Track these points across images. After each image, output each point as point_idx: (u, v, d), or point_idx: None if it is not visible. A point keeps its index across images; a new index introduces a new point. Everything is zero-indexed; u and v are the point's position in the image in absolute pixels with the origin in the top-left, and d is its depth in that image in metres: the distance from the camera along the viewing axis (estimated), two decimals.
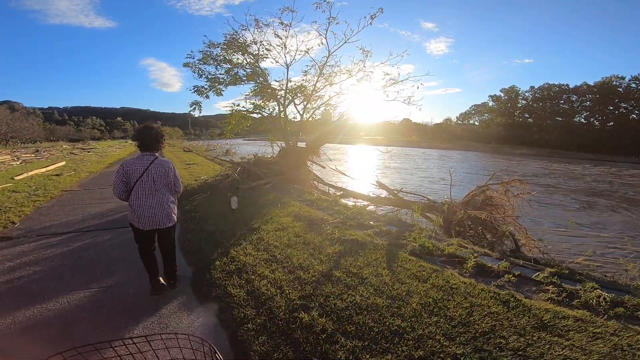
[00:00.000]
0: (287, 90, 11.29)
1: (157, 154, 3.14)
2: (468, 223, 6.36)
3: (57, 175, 10.80)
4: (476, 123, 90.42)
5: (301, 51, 10.76)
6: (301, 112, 11.22)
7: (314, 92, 10.88)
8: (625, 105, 65.07)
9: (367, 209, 7.01)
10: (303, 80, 11.65)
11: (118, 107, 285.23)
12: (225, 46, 10.94)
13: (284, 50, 10.87)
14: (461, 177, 19.67)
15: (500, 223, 6.26)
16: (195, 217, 5.97)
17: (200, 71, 10.99)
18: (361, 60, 10.23)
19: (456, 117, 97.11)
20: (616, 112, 65.81)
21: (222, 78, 11.15)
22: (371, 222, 5.41)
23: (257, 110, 11.60)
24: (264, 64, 11.06)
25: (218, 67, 11.33)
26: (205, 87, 11.44)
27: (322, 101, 11.33)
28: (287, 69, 11.11)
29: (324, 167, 11.99)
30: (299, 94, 11.42)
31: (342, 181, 14.04)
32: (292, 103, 11.60)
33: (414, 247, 4.27)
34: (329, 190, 10.34)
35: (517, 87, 77.88)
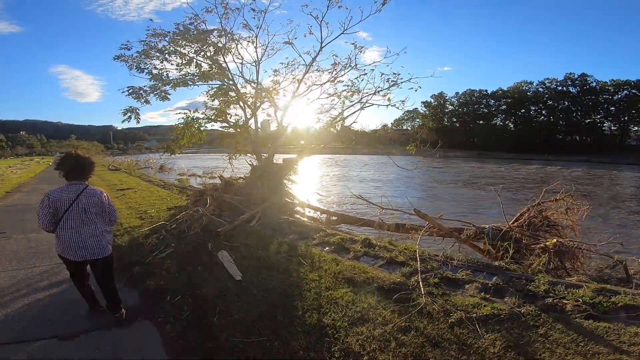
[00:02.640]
0: (259, 92, 9.01)
1: (86, 183, 2.99)
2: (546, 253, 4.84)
3: None
4: (409, 128, 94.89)
5: (276, 44, 8.63)
6: (279, 119, 9.00)
7: (295, 94, 8.77)
8: (534, 108, 73.55)
9: (412, 244, 5.16)
10: (274, 80, 9.47)
11: (22, 119, 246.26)
12: (177, 36, 8.27)
13: (255, 43, 8.63)
14: (424, 184, 19.06)
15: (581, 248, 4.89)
16: (180, 319, 3.09)
17: (138, 66, 8.14)
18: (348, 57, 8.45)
19: (391, 124, 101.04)
20: (527, 114, 73.98)
21: (172, 77, 8.44)
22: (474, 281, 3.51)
23: (221, 118, 9.09)
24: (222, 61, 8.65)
25: (164, 62, 8.59)
26: (146, 88, 8.61)
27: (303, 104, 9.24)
28: (258, 65, 8.86)
29: (296, 183, 9.89)
30: (272, 97, 9.19)
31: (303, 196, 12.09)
32: (260, 108, 9.34)
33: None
34: (320, 216, 8.27)
35: (445, 93, 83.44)
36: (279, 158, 9.53)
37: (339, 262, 4.14)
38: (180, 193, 10.32)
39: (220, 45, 8.43)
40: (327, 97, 9.05)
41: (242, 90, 9.09)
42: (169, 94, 8.84)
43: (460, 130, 79.43)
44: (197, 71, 8.53)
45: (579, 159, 47.15)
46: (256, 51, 8.89)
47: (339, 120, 9.31)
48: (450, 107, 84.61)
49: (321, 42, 8.26)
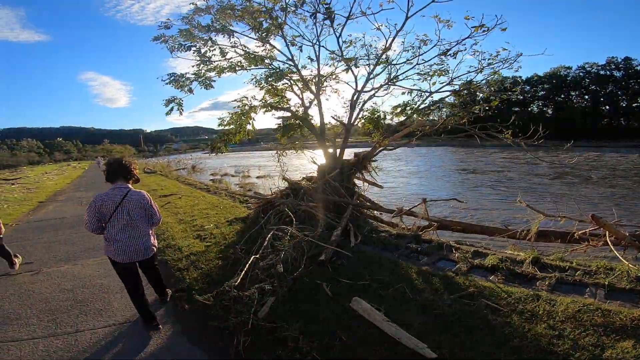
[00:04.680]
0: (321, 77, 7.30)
1: (130, 185, 2.99)
2: None
3: None
4: (435, 118, 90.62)
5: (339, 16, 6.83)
6: (357, 106, 7.23)
7: (370, 76, 6.97)
8: (575, 93, 68.53)
9: (587, 258, 3.38)
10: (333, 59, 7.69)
11: (58, 126, 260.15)
12: (222, 12, 6.65)
13: (315, 17, 6.86)
14: (522, 179, 16.72)
15: None
16: None
17: (182, 44, 6.62)
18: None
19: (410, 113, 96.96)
20: (567, 99, 69.03)
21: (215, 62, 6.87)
22: None
23: (284, 105, 7.48)
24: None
25: (207, 43, 7.04)
26: (189, 75, 7.13)
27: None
28: (319, 46, 7.10)
29: (381, 187, 8.14)
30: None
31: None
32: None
33: None
34: (400, 221, 6.47)
35: (475, 80, 79.08)
36: (348, 153, 7.82)
37: (552, 302, 2.72)
38: (232, 199, 8.83)
39: (275, 19, 6.75)
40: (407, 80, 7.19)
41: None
42: (213, 81, 7.34)
43: (493, 119, 75.06)
44: (245, 53, 6.95)
45: (629, 145, 42.43)
46: (315, 25, 7.16)
47: (424, 107, 7.47)
48: (481, 95, 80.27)
49: (407, 12, 6.37)
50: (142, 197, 2.96)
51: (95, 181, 19.29)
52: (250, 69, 7.38)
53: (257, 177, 20.32)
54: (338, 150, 7.32)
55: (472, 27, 6.01)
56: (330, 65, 7.61)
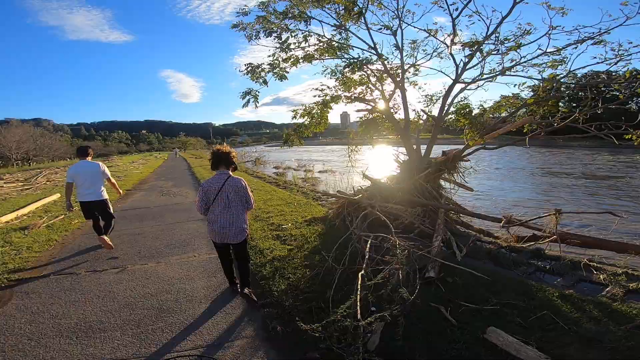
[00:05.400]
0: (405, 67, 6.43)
1: (230, 172, 3.23)
2: None
3: (24, 229, 6.11)
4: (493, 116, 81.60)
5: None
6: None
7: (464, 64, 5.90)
8: None
9: None
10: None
11: (142, 120, 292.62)
12: None
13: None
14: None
15: None
16: None
17: (265, 28, 6.28)
18: None
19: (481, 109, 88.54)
20: None
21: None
22: None
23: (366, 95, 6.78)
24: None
25: (283, 32, 6.62)
26: (265, 66, 6.80)
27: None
28: (402, 30, 6.21)
29: (472, 190, 6.99)
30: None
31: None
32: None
33: None
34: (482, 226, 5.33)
35: (558, 75, 69.50)
36: (434, 151, 6.85)
37: None
38: (304, 195, 8.42)
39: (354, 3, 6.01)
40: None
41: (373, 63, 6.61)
42: (287, 71, 6.94)
43: (579, 116, 65.29)
44: (327, 40, 6.36)
45: None
46: (398, 10, 6.27)
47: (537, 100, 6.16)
48: (567, 91, 70.29)
49: None
50: (240, 183, 3.17)
51: (173, 171, 20.63)
52: (325, 59, 6.86)
53: (320, 172, 19.98)
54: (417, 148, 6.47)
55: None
56: (410, 56, 6.77)
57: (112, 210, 5.16)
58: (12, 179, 18.01)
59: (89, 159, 5.05)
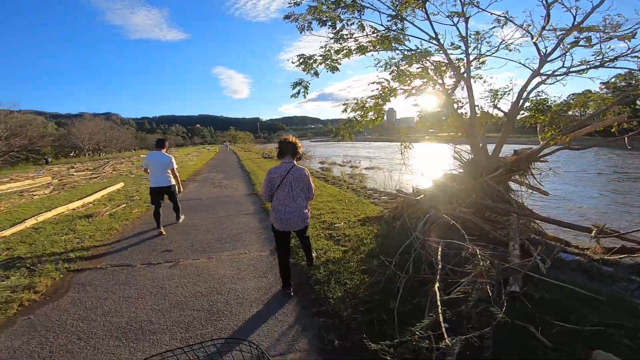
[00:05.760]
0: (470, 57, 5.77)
1: (294, 162, 3.30)
2: None
3: (89, 216, 6.46)
4: (576, 114, 73.09)
5: None
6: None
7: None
8: None
9: None
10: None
11: (196, 114, 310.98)
12: None
13: None
14: None
15: None
16: None
17: (318, 19, 6.01)
18: None
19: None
20: None
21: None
22: None
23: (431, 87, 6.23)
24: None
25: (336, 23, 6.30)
26: (316, 57, 6.59)
27: None
28: (465, 23, 5.53)
29: (547, 194, 6.10)
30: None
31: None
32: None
33: None
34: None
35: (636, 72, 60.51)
36: (505, 150, 6.10)
37: None
38: (355, 192, 8.03)
39: None
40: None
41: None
42: (339, 63, 6.61)
43: None
44: (384, 29, 5.90)
45: None
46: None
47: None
48: None
49: None
50: (303, 172, 3.28)
51: (224, 164, 21.33)
52: (379, 51, 6.44)
53: (366, 169, 19.41)
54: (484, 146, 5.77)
55: None
56: (474, 48, 6.09)
57: (177, 197, 5.94)
58: (82, 168, 19.85)
59: (164, 150, 5.74)
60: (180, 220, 6.07)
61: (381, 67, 6.56)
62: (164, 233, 5.31)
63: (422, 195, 5.11)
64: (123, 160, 27.37)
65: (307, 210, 3.35)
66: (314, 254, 3.82)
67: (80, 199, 8.15)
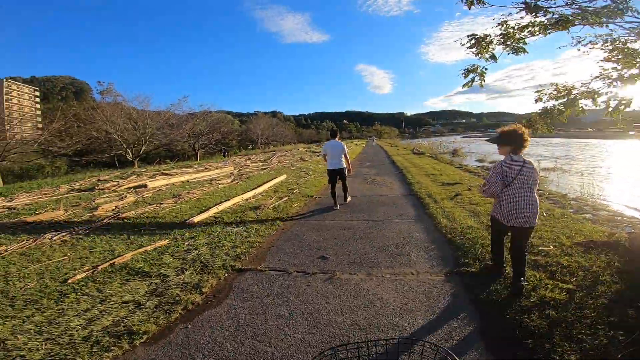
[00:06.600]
0: None
1: (522, 155, 3.18)
2: None
3: (256, 208, 6.81)
4: None
5: None
6: None
7: None
8: None
9: None
10: None
11: (343, 110, 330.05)
12: None
13: None
14: None
15: None
16: None
17: None
18: None
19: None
20: None
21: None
22: None
23: None
24: None
25: None
26: (493, 37, 5.20)
27: None
28: None
29: None
30: None
31: None
32: None
33: None
34: None
35: None
36: None
37: None
38: (547, 200, 6.02)
39: None
40: None
41: None
42: (526, 43, 5.14)
43: None
44: None
45: None
46: None
47: None
48: None
49: None
50: (534, 167, 3.13)
51: (373, 159, 21.01)
52: (589, 25, 4.46)
53: (543, 170, 15.30)
54: None
55: None
56: None
57: (347, 175, 7.08)
58: (255, 159, 23.21)
59: (337, 139, 7.00)
60: (347, 201, 7.27)
61: (584, 45, 4.56)
62: (337, 208, 6.70)
63: None
64: (286, 152, 30.88)
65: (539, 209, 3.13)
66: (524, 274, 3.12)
67: (253, 189, 9.00)
